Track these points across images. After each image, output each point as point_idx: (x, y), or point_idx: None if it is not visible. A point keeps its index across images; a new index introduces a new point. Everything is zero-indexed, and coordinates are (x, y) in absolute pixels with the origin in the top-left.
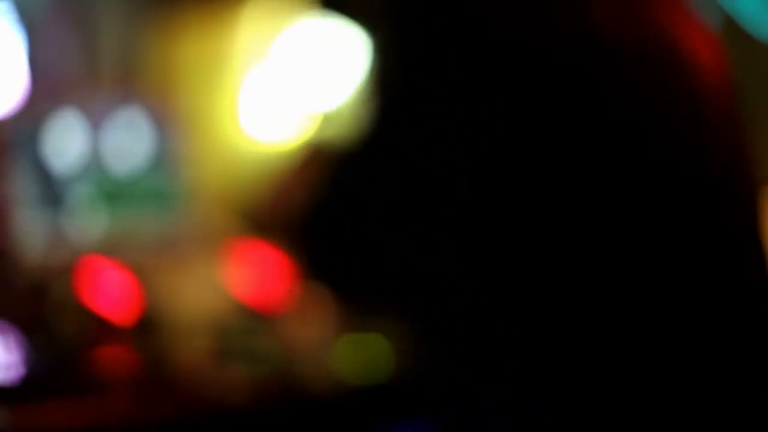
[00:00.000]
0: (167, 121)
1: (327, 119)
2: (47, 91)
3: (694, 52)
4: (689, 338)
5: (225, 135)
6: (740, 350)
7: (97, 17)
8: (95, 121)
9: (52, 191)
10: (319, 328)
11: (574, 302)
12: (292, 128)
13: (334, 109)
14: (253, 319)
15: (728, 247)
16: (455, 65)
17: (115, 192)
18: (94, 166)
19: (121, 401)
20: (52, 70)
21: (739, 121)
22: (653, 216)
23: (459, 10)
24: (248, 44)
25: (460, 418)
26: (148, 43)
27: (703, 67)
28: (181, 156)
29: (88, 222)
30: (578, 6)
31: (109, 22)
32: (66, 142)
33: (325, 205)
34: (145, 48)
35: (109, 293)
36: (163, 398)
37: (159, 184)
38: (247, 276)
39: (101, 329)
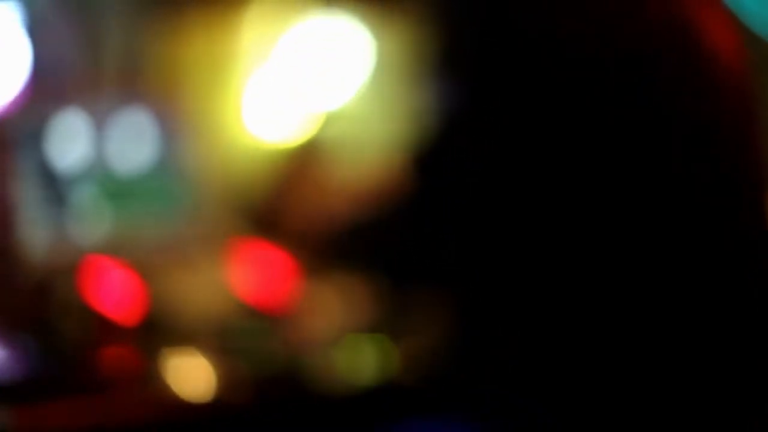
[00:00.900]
0: (171, 121)
1: (330, 118)
2: (51, 91)
3: (727, 55)
4: (692, 338)
5: (229, 135)
6: (745, 350)
7: (101, 17)
8: (99, 122)
9: (56, 191)
10: (323, 328)
11: (575, 302)
12: (295, 128)
13: (338, 109)
14: (257, 319)
15: (743, 246)
16: (524, 58)
17: (119, 192)
18: (98, 166)
19: (125, 401)
20: (56, 70)
21: (758, 119)
22: (669, 215)
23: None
24: (252, 44)
25: (461, 418)
26: (151, 44)
27: (730, 67)
28: (185, 156)
29: (91, 222)
30: (637, 4)
31: (113, 22)
32: (70, 142)
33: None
34: (149, 48)
35: (113, 293)
36: (166, 398)
37: (163, 184)
38: (250, 276)
39: (105, 329)
